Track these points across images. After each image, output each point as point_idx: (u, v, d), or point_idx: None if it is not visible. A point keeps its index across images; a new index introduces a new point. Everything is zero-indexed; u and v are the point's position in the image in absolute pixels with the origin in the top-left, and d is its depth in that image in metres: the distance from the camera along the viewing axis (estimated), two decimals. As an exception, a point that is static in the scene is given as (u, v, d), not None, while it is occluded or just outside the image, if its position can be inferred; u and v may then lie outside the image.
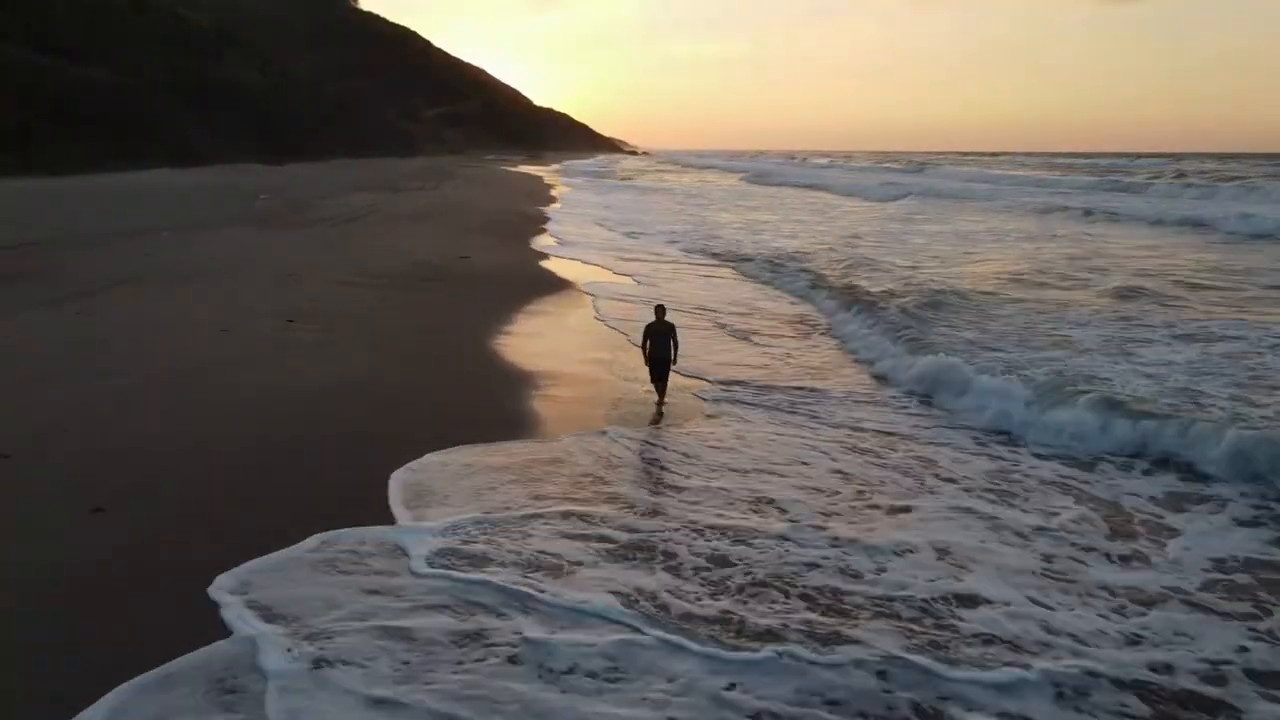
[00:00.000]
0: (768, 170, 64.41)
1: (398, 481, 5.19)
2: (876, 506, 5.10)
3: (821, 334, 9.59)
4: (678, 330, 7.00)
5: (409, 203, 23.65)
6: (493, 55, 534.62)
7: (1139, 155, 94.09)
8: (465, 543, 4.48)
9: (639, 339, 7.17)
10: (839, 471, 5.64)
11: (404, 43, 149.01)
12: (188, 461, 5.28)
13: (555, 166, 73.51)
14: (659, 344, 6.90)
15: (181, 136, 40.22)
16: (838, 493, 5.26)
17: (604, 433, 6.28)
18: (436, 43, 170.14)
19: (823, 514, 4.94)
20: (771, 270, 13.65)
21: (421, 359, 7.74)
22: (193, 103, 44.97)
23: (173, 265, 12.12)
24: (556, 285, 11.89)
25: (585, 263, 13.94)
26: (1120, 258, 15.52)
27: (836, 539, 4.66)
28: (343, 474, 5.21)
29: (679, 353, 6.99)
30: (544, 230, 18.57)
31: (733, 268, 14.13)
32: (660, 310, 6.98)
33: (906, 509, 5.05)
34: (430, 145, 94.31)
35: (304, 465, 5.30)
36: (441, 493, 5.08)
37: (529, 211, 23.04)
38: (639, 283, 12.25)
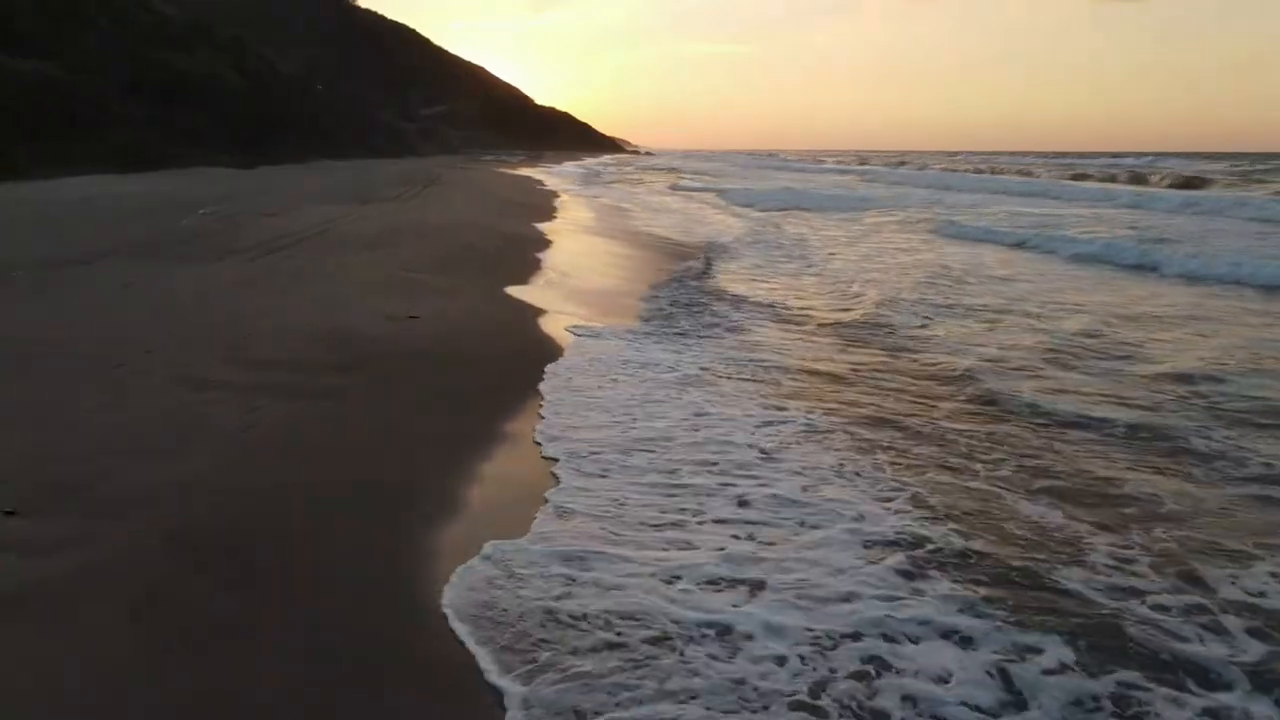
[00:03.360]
0: (706, 170, 69.06)
1: None
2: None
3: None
4: None
5: (374, 219, 19.35)
6: (493, 54, 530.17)
7: (1137, 154, 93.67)
8: None
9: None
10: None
11: (402, 40, 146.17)
12: None
13: (556, 168, 69.31)
14: None
15: (135, 137, 35.92)
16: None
17: None
18: (436, 41, 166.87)
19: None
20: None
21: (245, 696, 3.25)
22: (155, 100, 40.67)
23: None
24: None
25: (593, 328, 9.64)
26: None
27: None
28: None
29: None
30: (538, 262, 14.26)
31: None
32: None
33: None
34: (426, 145, 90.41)
35: None
36: None
37: (522, 231, 18.75)
38: (674, 364, 7.92)
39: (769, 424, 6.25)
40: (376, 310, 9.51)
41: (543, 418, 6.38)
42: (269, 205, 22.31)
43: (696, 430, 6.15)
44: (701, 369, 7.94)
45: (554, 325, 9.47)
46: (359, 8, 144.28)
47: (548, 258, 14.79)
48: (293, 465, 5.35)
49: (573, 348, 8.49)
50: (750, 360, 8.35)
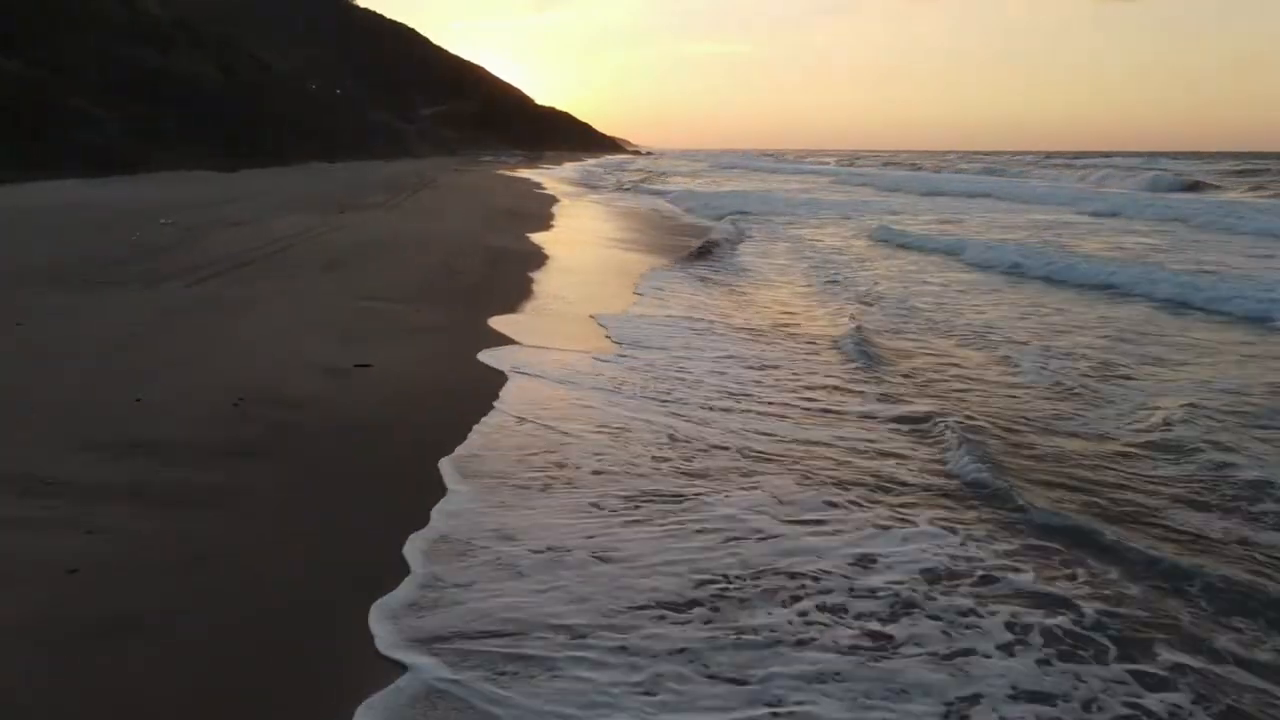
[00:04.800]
0: (689, 171, 70.15)
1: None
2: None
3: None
4: None
5: (349, 230, 17.43)
6: (493, 54, 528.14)
7: (1129, 154, 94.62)
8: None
9: None
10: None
11: (402, 40, 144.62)
12: None
13: (555, 169, 67.54)
14: None
15: (108, 139, 34.01)
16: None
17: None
18: (436, 41, 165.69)
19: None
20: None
21: None
22: (131, 100, 38.69)
23: None
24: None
25: (588, 386, 7.59)
26: None
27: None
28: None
29: None
30: (529, 283, 12.30)
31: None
32: None
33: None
34: (424, 146, 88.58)
35: None
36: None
37: (514, 244, 16.80)
38: (689, 434, 5.87)
39: (867, 565, 4.14)
40: (317, 358, 7.54)
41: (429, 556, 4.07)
42: (238, 214, 20.36)
43: (725, 589, 3.76)
44: (729, 440, 5.95)
45: (546, 370, 7.51)
46: (358, 7, 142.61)
47: (541, 278, 12.83)
48: (112, 642, 3.39)
49: (535, 411, 6.52)
50: (811, 424, 6.36)
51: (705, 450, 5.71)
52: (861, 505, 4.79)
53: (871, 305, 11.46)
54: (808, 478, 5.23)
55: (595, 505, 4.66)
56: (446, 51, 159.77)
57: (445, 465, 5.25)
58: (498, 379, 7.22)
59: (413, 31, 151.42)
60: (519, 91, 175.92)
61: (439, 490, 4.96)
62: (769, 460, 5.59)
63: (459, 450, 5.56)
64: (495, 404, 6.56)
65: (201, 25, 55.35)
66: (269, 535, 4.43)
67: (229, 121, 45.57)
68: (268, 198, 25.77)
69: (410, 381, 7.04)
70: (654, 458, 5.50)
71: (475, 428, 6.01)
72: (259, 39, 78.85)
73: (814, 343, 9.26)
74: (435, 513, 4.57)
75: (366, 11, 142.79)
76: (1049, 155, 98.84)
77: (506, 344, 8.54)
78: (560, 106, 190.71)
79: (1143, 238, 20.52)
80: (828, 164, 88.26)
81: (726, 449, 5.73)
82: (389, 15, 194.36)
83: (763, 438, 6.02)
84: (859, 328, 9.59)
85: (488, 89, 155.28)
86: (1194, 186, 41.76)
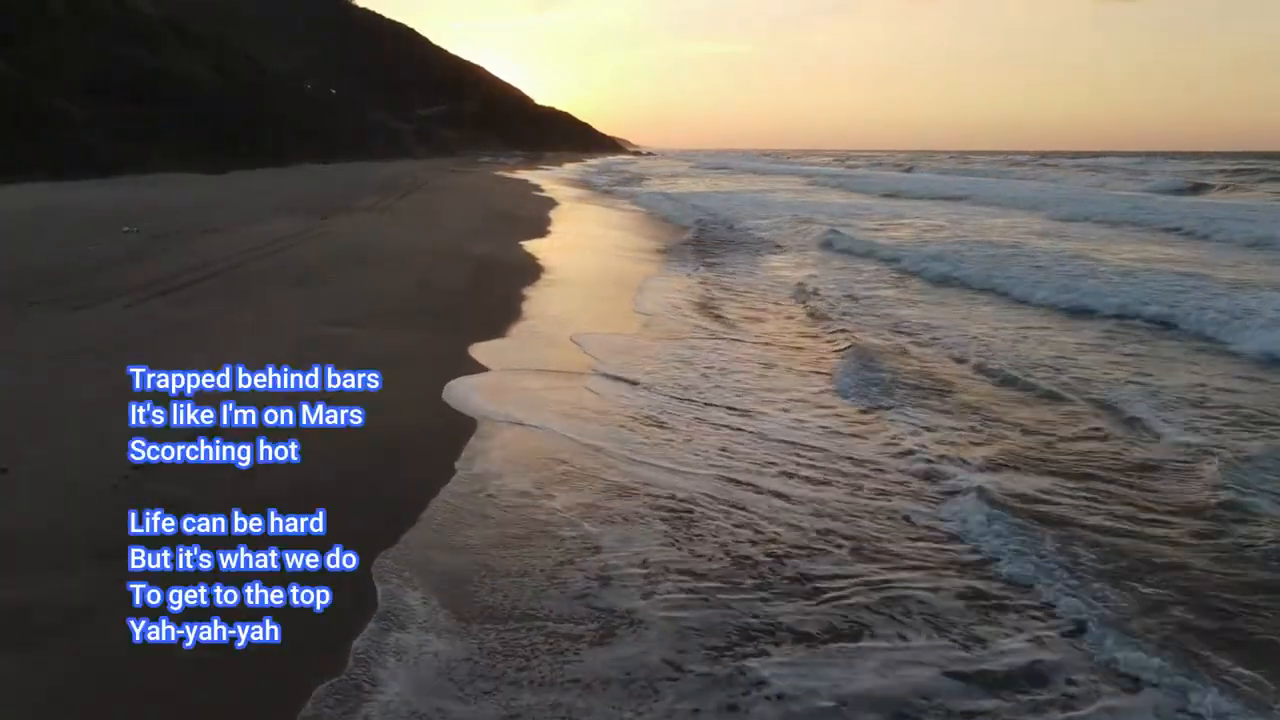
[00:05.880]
0: (680, 173, 70.06)
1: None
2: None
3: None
4: None
5: (329, 237, 16.09)
6: (493, 54, 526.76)
7: (1141, 154, 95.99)
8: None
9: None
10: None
11: (401, 40, 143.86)
12: None
13: (555, 170, 66.27)
14: None
15: (90, 140, 32.67)
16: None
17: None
18: (436, 41, 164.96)
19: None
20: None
21: None
22: (118, 101, 37.37)
23: None
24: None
25: (610, 443, 6.14)
26: None
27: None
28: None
29: None
30: (520, 300, 10.94)
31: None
32: None
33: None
34: (422, 147, 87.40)
35: None
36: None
37: (506, 254, 15.44)
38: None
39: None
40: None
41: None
42: (217, 219, 18.99)
43: None
44: (831, 530, 4.48)
45: (546, 420, 6.14)
46: (358, 7, 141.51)
47: (535, 294, 11.46)
48: None
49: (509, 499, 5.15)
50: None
51: (801, 546, 4.09)
52: (1073, 641, 3.26)
53: (903, 331, 10.06)
54: (975, 595, 3.61)
55: (660, 662, 3.01)
56: (446, 51, 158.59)
57: (386, 569, 3.89)
58: (475, 430, 5.86)
59: (412, 31, 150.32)
60: (519, 92, 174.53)
61: (369, 608, 3.61)
62: (902, 564, 3.88)
63: (409, 541, 4.20)
64: (478, 468, 5.21)
65: (198, 26, 54.09)
66: (129, 688, 3.07)
67: (227, 122, 44.24)
68: (254, 201, 24.42)
69: (359, 435, 5.67)
70: (730, 561, 3.92)
71: (434, 504, 4.66)
72: (258, 39, 77.85)
73: (844, 371, 7.89)
74: (368, 658, 3.20)
75: (366, 11, 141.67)
76: (1044, 155, 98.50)
77: (491, 380, 7.18)
78: (560, 106, 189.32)
79: (1156, 247, 19.06)
80: (815, 165, 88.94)
81: (835, 545, 4.10)
82: (389, 15, 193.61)
83: (876, 523, 4.38)
84: (859, 354, 8.22)
85: (488, 89, 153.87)
86: (1196, 188, 40.58)
